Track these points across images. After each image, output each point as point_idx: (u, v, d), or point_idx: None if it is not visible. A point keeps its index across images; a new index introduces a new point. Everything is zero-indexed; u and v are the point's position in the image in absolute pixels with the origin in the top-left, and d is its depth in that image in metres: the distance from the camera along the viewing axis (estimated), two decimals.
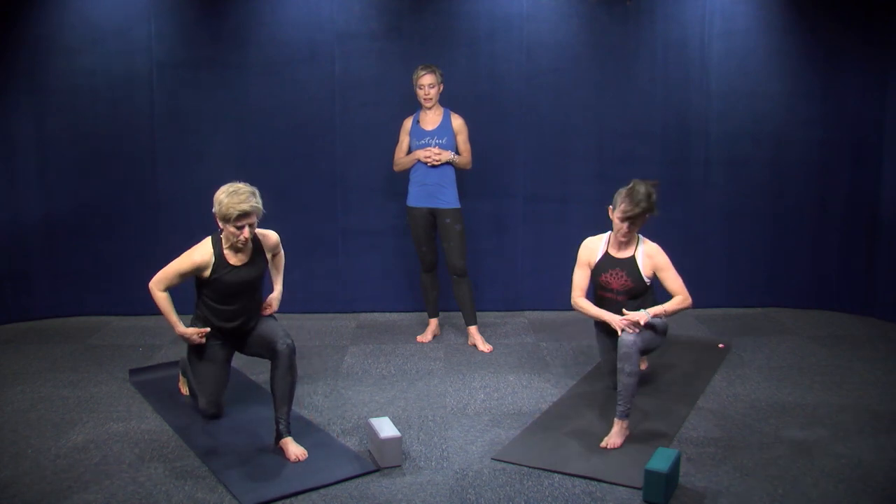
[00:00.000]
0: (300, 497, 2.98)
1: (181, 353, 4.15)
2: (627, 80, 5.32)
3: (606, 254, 3.70)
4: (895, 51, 5.06)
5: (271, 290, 3.70)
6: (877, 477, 3.09)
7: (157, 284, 3.44)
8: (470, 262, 4.83)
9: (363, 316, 5.46)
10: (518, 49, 5.25)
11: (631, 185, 3.55)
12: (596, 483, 3.07)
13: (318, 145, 5.31)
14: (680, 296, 3.57)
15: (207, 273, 3.40)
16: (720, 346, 4.73)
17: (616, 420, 3.41)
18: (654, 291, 3.70)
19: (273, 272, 3.73)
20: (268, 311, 3.60)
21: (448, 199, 4.60)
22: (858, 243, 5.37)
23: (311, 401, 3.92)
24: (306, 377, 4.22)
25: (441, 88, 4.56)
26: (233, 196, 3.25)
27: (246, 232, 3.30)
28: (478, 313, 4.89)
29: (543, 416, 3.73)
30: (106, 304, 5.36)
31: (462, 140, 4.62)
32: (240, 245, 3.37)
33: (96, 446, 3.38)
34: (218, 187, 3.33)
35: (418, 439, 3.47)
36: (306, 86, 5.24)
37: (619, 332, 3.47)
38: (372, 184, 5.34)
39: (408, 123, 4.68)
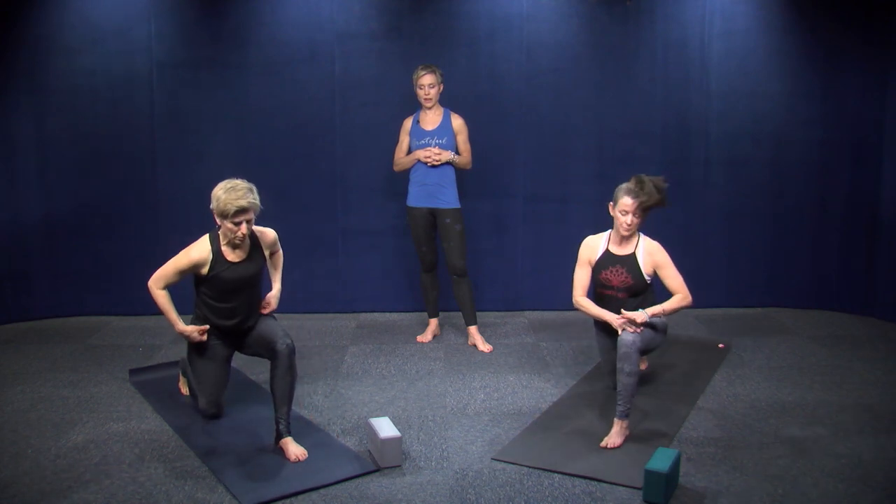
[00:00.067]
0: (300, 497, 2.98)
1: (181, 353, 4.15)
2: (627, 80, 5.32)
3: (607, 251, 3.70)
4: (895, 51, 5.06)
5: (270, 289, 3.70)
6: (877, 476, 3.09)
7: (156, 283, 3.44)
8: (470, 262, 4.83)
9: (363, 316, 5.46)
10: (518, 49, 5.25)
11: (635, 178, 3.56)
12: (596, 483, 3.07)
13: (318, 145, 5.31)
14: (679, 294, 3.57)
15: (205, 270, 3.40)
16: (720, 346, 4.73)
17: (616, 420, 3.41)
18: (654, 291, 3.70)
19: (271, 270, 3.73)
20: (267, 310, 3.61)
21: (448, 199, 4.60)
22: (858, 243, 5.37)
23: (311, 401, 3.92)
24: (306, 377, 4.22)
25: (441, 88, 4.57)
26: (230, 192, 3.25)
27: (243, 228, 3.31)
28: (478, 313, 4.89)
29: (543, 416, 3.73)
30: (106, 304, 5.36)
31: (462, 140, 4.62)
32: (237, 241, 3.38)
33: (96, 446, 3.38)
34: None
35: (418, 439, 3.47)
36: (306, 86, 5.24)
37: (619, 332, 3.47)
38: (372, 184, 5.34)
39: (408, 123, 4.68)
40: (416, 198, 4.64)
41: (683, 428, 3.58)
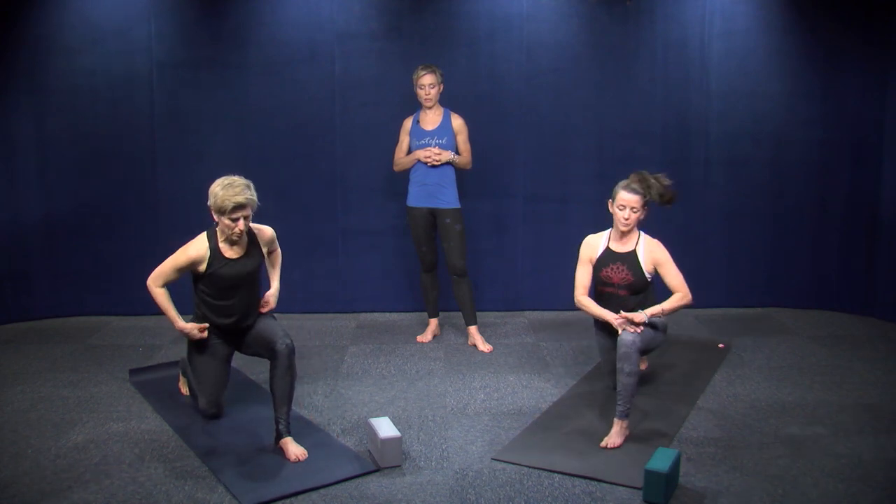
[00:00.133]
0: (300, 497, 2.98)
1: (181, 353, 4.15)
2: (627, 80, 5.32)
3: (608, 249, 3.71)
4: (895, 51, 5.06)
5: (269, 289, 3.70)
6: (877, 476, 3.09)
7: (155, 281, 3.45)
8: (470, 262, 4.83)
9: (363, 316, 5.46)
10: (518, 49, 5.25)
11: (638, 175, 3.61)
12: (596, 483, 3.07)
13: (318, 145, 5.31)
14: (679, 293, 3.58)
15: (203, 267, 3.41)
16: (720, 346, 4.73)
17: (616, 420, 3.41)
18: (654, 290, 3.70)
19: (270, 269, 3.74)
20: (266, 309, 3.60)
21: (448, 199, 4.60)
22: (858, 243, 5.37)
23: (311, 401, 3.92)
24: (306, 377, 4.22)
25: (441, 88, 4.57)
26: (228, 188, 3.26)
27: (241, 224, 3.31)
28: (478, 313, 4.89)
29: (543, 416, 3.73)
30: (106, 304, 5.36)
31: (462, 140, 4.62)
32: (235, 238, 3.38)
33: (96, 446, 3.38)
34: None
35: (418, 439, 3.47)
36: (306, 86, 5.24)
37: (619, 332, 3.47)
38: (372, 184, 5.34)
39: (408, 123, 4.68)
40: (416, 198, 4.64)
41: (683, 428, 3.58)
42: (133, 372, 4.22)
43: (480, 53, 5.25)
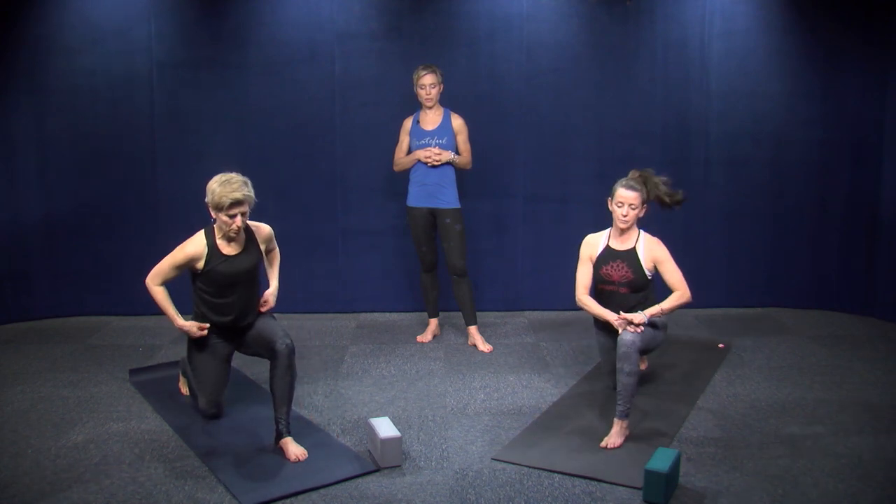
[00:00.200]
0: (300, 497, 2.98)
1: (181, 353, 4.15)
2: (627, 80, 5.32)
3: (608, 247, 3.72)
4: (895, 51, 5.06)
5: (268, 288, 3.70)
6: (877, 476, 3.09)
7: (153, 279, 3.45)
8: (470, 262, 4.83)
9: (363, 316, 5.46)
10: (518, 49, 5.25)
11: (639, 174, 3.68)
12: (596, 483, 3.07)
13: (318, 145, 5.31)
14: (678, 291, 3.58)
15: (201, 264, 3.41)
16: (720, 346, 4.73)
17: (616, 420, 3.41)
18: (655, 289, 3.70)
19: (268, 268, 3.74)
20: (265, 308, 3.60)
21: (448, 199, 4.60)
22: (858, 243, 5.37)
23: (311, 401, 3.92)
24: (306, 377, 4.22)
25: (441, 88, 4.57)
26: (225, 185, 3.27)
27: (238, 220, 3.32)
28: (478, 313, 4.89)
29: (543, 415, 3.73)
30: (106, 304, 5.36)
31: (462, 140, 4.62)
32: (232, 234, 3.39)
33: (96, 446, 3.38)
34: None
35: (418, 439, 3.47)
36: (306, 86, 5.24)
37: (619, 332, 3.47)
38: (372, 184, 5.34)
39: (408, 123, 4.68)
40: (416, 198, 4.64)
41: (683, 428, 3.58)
42: (133, 372, 4.22)
43: (480, 53, 5.25)
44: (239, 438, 3.46)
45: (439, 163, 4.54)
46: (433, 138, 4.57)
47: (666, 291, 3.62)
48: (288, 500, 2.96)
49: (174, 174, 5.25)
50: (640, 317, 3.46)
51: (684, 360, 4.48)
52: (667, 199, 3.70)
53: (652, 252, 3.64)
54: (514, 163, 5.37)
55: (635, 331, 3.44)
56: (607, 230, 3.77)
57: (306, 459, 3.24)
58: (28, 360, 4.50)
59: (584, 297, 3.73)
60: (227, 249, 3.44)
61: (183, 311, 3.52)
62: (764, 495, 2.96)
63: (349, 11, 5.18)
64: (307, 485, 3.04)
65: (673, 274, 3.62)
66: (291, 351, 3.35)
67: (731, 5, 5.26)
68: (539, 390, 4.06)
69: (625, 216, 3.60)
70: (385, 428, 3.25)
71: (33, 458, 3.26)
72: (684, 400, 3.89)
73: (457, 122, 4.61)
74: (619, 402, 3.39)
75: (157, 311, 3.54)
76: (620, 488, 3.03)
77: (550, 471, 3.17)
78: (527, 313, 5.50)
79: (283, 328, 3.46)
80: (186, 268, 3.44)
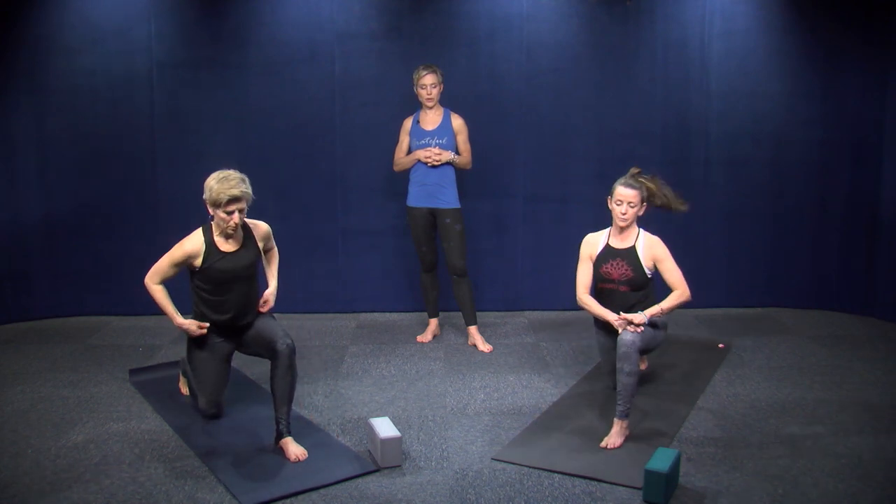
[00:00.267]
0: (300, 497, 2.98)
1: (181, 353, 4.15)
2: (627, 80, 5.32)
3: (607, 245, 3.72)
4: (895, 51, 5.06)
5: (267, 288, 3.70)
6: (877, 476, 3.09)
7: (152, 278, 3.46)
8: (470, 262, 4.83)
9: (363, 316, 5.46)
10: (518, 49, 5.25)
11: (636, 170, 3.71)
12: (596, 483, 3.07)
13: (318, 145, 5.31)
14: (678, 290, 3.59)
15: (199, 261, 3.41)
16: (720, 346, 4.73)
17: (616, 420, 3.41)
18: (654, 289, 3.70)
19: (267, 268, 3.74)
20: (265, 308, 3.61)
21: (448, 199, 4.60)
22: (858, 243, 5.37)
23: (311, 401, 3.92)
24: (306, 377, 4.22)
25: (442, 88, 4.57)
26: (223, 182, 3.29)
27: (236, 217, 3.33)
28: (478, 313, 4.89)
29: (543, 415, 3.73)
30: (106, 304, 5.36)
31: (462, 140, 4.62)
32: (230, 231, 3.39)
33: (96, 446, 3.38)
34: None
35: (418, 439, 3.47)
36: (306, 86, 5.24)
37: (620, 332, 3.47)
38: (372, 184, 5.34)
39: (408, 123, 4.68)
40: (416, 198, 4.64)
41: (683, 428, 3.58)
42: (133, 372, 4.22)
43: (480, 53, 5.25)
44: (239, 438, 3.46)
45: (439, 163, 4.54)
46: (433, 138, 4.57)
47: (665, 291, 3.62)
48: (288, 500, 2.96)
49: (174, 174, 5.25)
50: (640, 317, 3.46)
51: (684, 360, 4.48)
52: (671, 204, 3.73)
53: (652, 250, 3.65)
54: (514, 163, 5.37)
55: (635, 331, 3.44)
56: (607, 229, 3.78)
57: (306, 459, 3.24)
58: (28, 360, 4.50)
59: (584, 296, 3.73)
60: (225, 246, 3.45)
61: (182, 312, 3.52)
62: (764, 495, 2.96)
63: (349, 11, 5.18)
64: (307, 485, 3.04)
65: (672, 273, 3.62)
66: (292, 351, 3.35)
67: (731, 5, 5.26)
68: (539, 390, 4.06)
69: (623, 214, 3.60)
70: (385, 428, 3.25)
71: (33, 458, 3.26)
72: (684, 400, 3.89)
73: (457, 122, 4.61)
74: (619, 402, 3.39)
75: (157, 311, 3.54)
76: (620, 488, 3.03)
77: (550, 471, 3.17)
78: (527, 313, 5.50)
79: (284, 328, 3.46)
80: (185, 266, 3.44)
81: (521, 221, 5.45)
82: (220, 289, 3.46)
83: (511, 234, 5.46)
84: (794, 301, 5.56)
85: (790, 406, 3.82)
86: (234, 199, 3.29)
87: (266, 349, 3.43)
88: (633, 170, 3.72)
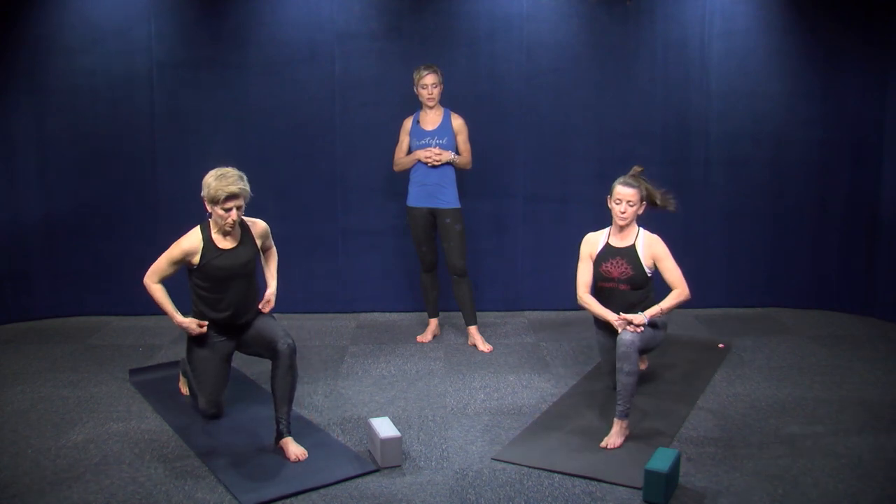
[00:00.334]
0: (300, 497, 2.98)
1: (181, 353, 4.16)
2: (627, 80, 5.32)
3: (607, 244, 3.72)
4: (895, 51, 5.06)
5: (266, 288, 3.70)
6: (877, 476, 3.09)
7: (151, 277, 3.47)
8: (470, 262, 4.83)
9: (363, 316, 5.46)
10: (518, 49, 5.25)
11: (637, 169, 3.74)
12: (596, 483, 3.07)
13: (318, 145, 5.31)
14: (677, 289, 3.59)
15: (197, 259, 3.42)
16: (720, 346, 4.73)
17: (616, 420, 3.41)
18: (654, 288, 3.70)
19: (266, 268, 3.74)
20: (267, 308, 3.61)
21: (448, 199, 4.60)
22: (858, 243, 5.37)
23: (311, 401, 3.92)
24: (306, 377, 4.22)
25: (442, 88, 4.57)
26: (221, 179, 3.30)
27: (234, 214, 3.34)
28: (478, 313, 4.89)
29: (543, 415, 3.73)
30: (106, 304, 5.36)
31: (462, 140, 4.62)
32: (228, 228, 3.40)
33: (96, 446, 3.38)
34: None
35: (418, 439, 3.47)
36: (306, 86, 5.24)
37: (619, 332, 3.47)
38: (372, 184, 5.34)
39: (408, 123, 4.69)
40: (416, 198, 4.64)
41: (683, 428, 3.58)
42: (133, 372, 4.22)
43: (480, 53, 5.25)
44: (239, 438, 3.46)
45: (439, 163, 4.54)
46: (433, 138, 4.57)
47: (665, 291, 3.62)
48: (288, 500, 2.96)
49: (174, 174, 5.25)
50: (640, 318, 3.46)
51: (684, 360, 4.48)
52: (657, 200, 3.74)
53: (651, 249, 3.65)
54: (514, 163, 5.37)
55: (635, 331, 3.44)
56: (607, 228, 3.78)
57: (306, 459, 3.24)
58: (28, 360, 4.50)
59: (585, 295, 3.73)
60: (223, 244, 3.45)
61: (182, 311, 3.52)
62: (764, 495, 2.96)
63: (349, 11, 5.18)
64: (307, 485, 3.04)
65: (672, 272, 3.62)
66: (293, 351, 3.35)
67: (731, 5, 5.26)
68: (539, 390, 4.06)
69: (623, 213, 3.61)
70: (385, 428, 3.25)
71: (33, 458, 3.26)
72: (684, 400, 3.89)
73: (457, 122, 4.61)
74: (618, 402, 3.39)
75: (157, 311, 3.54)
76: (620, 488, 3.03)
77: (550, 471, 3.17)
78: (527, 313, 5.50)
79: (284, 328, 3.46)
80: (183, 263, 3.44)
81: (521, 221, 5.45)
82: (218, 286, 3.46)
83: (511, 234, 5.46)
84: (794, 301, 5.56)
85: (790, 406, 3.82)
86: (232, 196, 3.30)
87: (267, 349, 3.43)
88: (636, 168, 3.73)
